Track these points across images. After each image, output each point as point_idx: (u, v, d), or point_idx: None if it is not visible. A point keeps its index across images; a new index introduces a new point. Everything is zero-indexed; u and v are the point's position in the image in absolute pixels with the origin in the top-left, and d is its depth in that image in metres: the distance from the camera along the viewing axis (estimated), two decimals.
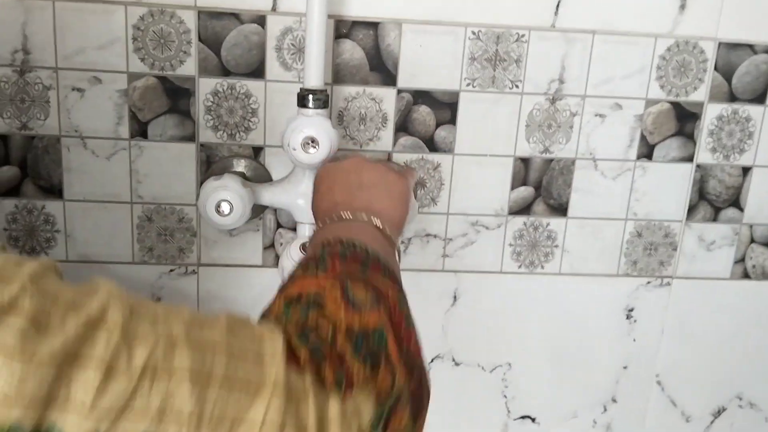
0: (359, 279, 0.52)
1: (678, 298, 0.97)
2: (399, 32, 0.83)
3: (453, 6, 0.83)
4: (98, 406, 0.35)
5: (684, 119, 0.90)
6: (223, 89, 0.83)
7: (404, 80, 0.85)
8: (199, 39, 0.81)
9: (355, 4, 0.82)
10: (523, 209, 0.91)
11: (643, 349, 0.99)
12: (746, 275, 0.97)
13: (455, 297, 0.94)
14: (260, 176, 0.85)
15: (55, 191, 0.84)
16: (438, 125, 0.87)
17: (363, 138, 0.86)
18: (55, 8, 0.79)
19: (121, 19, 0.80)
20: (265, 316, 0.49)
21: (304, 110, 0.77)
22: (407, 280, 0.90)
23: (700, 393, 1.02)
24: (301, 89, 0.77)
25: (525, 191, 0.90)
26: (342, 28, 0.83)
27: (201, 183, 0.84)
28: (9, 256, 0.38)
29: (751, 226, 0.95)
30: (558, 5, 0.84)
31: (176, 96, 0.83)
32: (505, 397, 0.99)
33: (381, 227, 0.65)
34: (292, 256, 0.76)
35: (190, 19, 0.81)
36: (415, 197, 0.86)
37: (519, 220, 0.91)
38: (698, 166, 0.92)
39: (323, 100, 0.76)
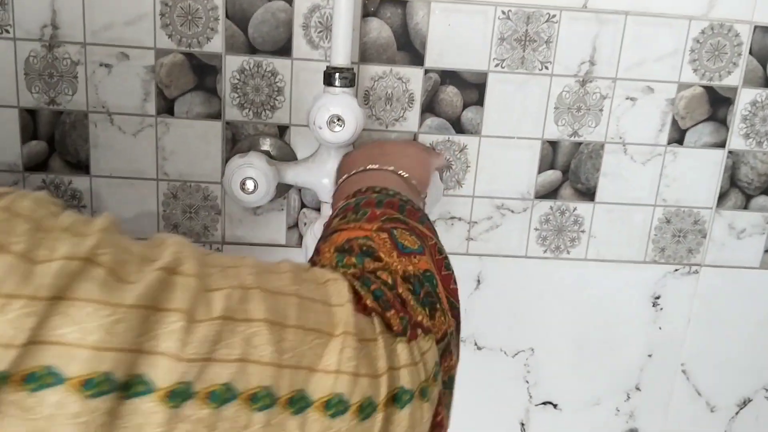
0: (401, 224, 0.52)
1: (706, 287, 0.95)
2: (427, 11, 0.82)
3: None
4: (185, 354, 0.34)
5: (717, 104, 0.88)
6: (249, 67, 0.83)
7: (432, 60, 0.84)
8: (227, 16, 0.81)
9: None
10: (549, 193, 0.90)
11: (669, 338, 0.97)
12: None
13: (479, 281, 0.93)
14: (285, 155, 0.85)
15: (82, 167, 0.85)
16: (465, 106, 0.86)
17: (389, 118, 0.86)
18: None
19: None
20: (315, 264, 0.49)
21: (330, 88, 0.76)
22: None
23: (726, 383, 1.01)
24: (327, 67, 0.76)
25: (552, 175, 0.89)
26: (370, 6, 0.82)
27: (226, 161, 0.84)
28: (76, 214, 0.38)
29: None
30: None
31: (203, 73, 0.83)
32: (527, 382, 0.98)
33: (406, 176, 0.66)
34: (316, 235, 0.75)
35: None
36: (441, 179, 0.85)
37: (545, 204, 0.90)
38: (730, 152, 0.90)
39: (350, 79, 0.76)
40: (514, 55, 0.84)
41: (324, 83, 0.76)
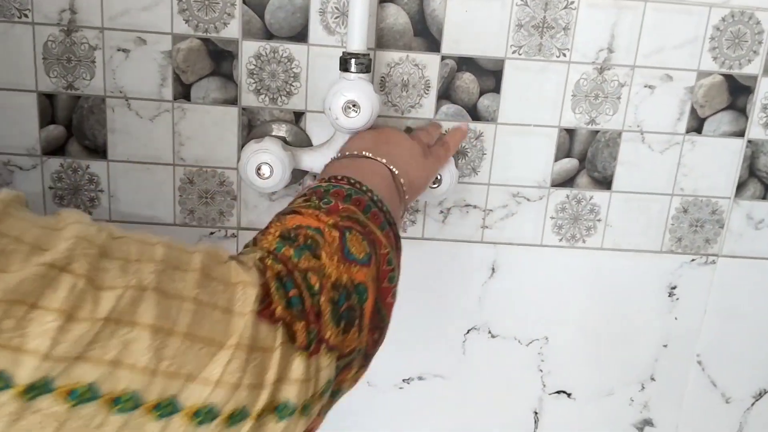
0: (358, 226, 0.51)
1: (723, 277, 0.95)
2: None
3: None
4: (54, 352, 0.34)
5: (736, 93, 0.87)
6: (265, 53, 0.83)
7: (448, 46, 0.84)
8: (243, 2, 0.81)
9: None
10: (566, 181, 0.89)
11: (685, 328, 0.97)
12: None
13: (493, 269, 0.93)
14: (301, 141, 0.85)
15: (99, 151, 0.85)
16: (482, 93, 0.85)
17: (405, 105, 0.85)
18: None
19: None
20: (257, 242, 0.49)
21: (346, 74, 0.76)
22: (445, 251, 0.91)
23: (742, 374, 1.00)
24: (343, 53, 0.76)
25: (569, 163, 0.89)
26: None
27: (242, 147, 0.84)
28: None
29: None
30: None
31: (219, 58, 0.83)
32: (541, 371, 0.98)
33: (396, 174, 0.65)
34: None
35: None
36: (456, 166, 0.85)
37: (561, 193, 0.90)
38: (749, 141, 0.89)
39: (366, 65, 0.76)
40: (531, 42, 0.84)
41: (340, 69, 0.76)
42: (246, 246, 0.51)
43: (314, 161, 0.81)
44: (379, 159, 0.66)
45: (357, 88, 0.74)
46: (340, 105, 0.74)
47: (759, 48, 0.86)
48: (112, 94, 0.83)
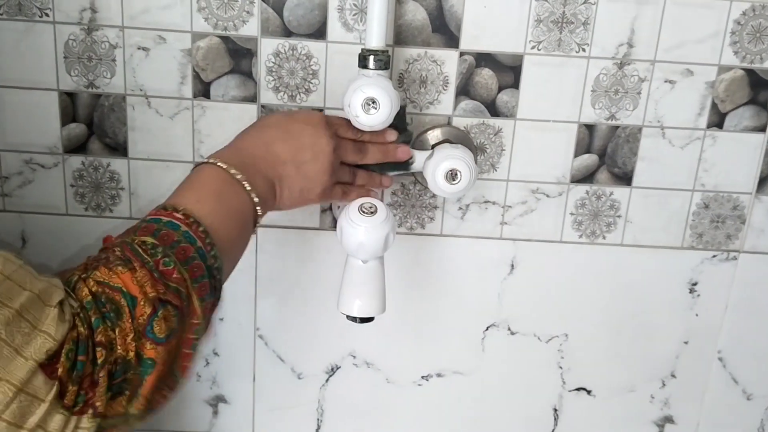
0: (176, 301, 0.54)
1: (744, 273, 0.94)
2: None
3: None
4: None
5: (758, 87, 0.86)
6: (284, 50, 0.83)
7: (467, 42, 0.83)
8: None
9: None
10: (585, 177, 0.89)
11: (706, 325, 0.96)
12: None
13: (512, 265, 0.93)
14: None
15: (120, 149, 0.86)
16: (500, 89, 0.85)
17: (423, 101, 0.85)
18: None
19: None
20: (75, 287, 0.52)
21: (364, 71, 0.76)
22: (464, 247, 0.91)
23: (763, 371, 0.99)
24: (362, 50, 0.76)
25: (588, 159, 0.88)
26: None
27: None
28: None
29: None
30: None
31: (238, 56, 0.83)
32: (561, 368, 0.98)
33: (249, 189, 0.65)
34: (351, 218, 0.75)
35: None
36: (475, 162, 0.85)
37: (581, 189, 0.89)
38: None
39: (384, 61, 0.76)
40: (550, 37, 0.83)
41: (359, 66, 0.76)
42: (78, 268, 0.55)
43: None
44: (246, 185, 0.65)
45: (376, 84, 0.74)
46: (359, 102, 0.74)
47: None
48: (133, 93, 0.84)
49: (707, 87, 0.86)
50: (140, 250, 0.56)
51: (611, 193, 0.90)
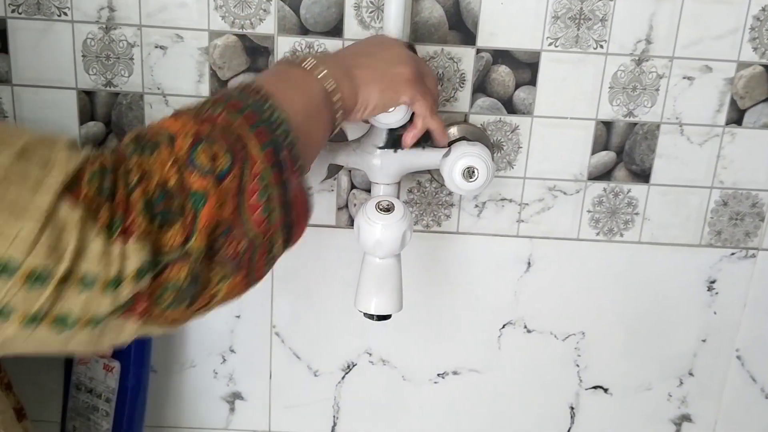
0: (226, 140, 0.51)
1: (763, 271, 0.93)
2: None
3: None
4: None
5: None
6: (301, 48, 0.83)
7: (484, 39, 0.83)
8: None
9: None
10: (603, 175, 0.89)
11: (724, 323, 0.96)
12: None
13: (529, 263, 0.92)
14: (336, 136, 0.84)
15: None
16: (517, 86, 0.85)
17: (440, 99, 0.85)
18: None
19: None
20: (128, 134, 0.51)
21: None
22: (481, 245, 0.91)
23: None
24: None
25: (606, 156, 0.88)
26: None
27: None
28: None
29: None
30: None
31: (255, 54, 0.83)
32: (578, 366, 0.97)
33: (330, 91, 0.63)
34: (368, 216, 0.75)
35: None
36: (492, 159, 0.85)
37: (598, 186, 0.89)
38: None
39: None
40: (568, 34, 0.83)
41: None
42: None
43: (349, 156, 0.81)
44: (317, 73, 0.63)
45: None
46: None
47: None
48: (150, 91, 0.84)
49: (726, 83, 0.85)
50: (194, 106, 0.54)
51: (629, 191, 0.89)
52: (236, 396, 0.98)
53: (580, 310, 0.95)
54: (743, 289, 0.94)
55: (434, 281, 0.94)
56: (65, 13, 0.81)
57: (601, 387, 0.98)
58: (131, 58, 0.83)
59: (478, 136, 0.86)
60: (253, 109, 0.55)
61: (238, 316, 0.94)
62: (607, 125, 0.86)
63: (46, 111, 0.84)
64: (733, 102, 0.86)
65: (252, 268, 0.54)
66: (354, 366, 0.97)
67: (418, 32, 0.83)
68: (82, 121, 0.85)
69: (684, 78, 0.85)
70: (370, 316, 0.78)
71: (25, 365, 0.73)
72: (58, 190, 0.43)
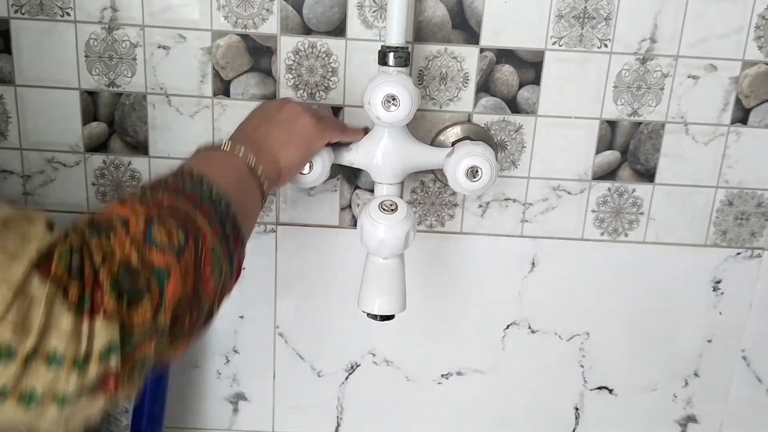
0: (175, 218, 0.53)
1: None
2: None
3: None
4: None
5: None
6: (304, 48, 0.83)
7: (487, 38, 0.83)
8: None
9: None
10: (607, 174, 0.88)
11: (730, 323, 0.95)
12: None
13: (533, 263, 0.92)
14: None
15: (140, 147, 0.86)
16: (521, 85, 0.85)
17: (443, 98, 0.85)
18: None
19: None
20: (72, 227, 0.51)
21: (385, 68, 0.76)
22: (484, 245, 0.90)
23: None
24: (382, 46, 0.76)
25: (610, 155, 0.87)
26: None
27: None
28: None
29: None
30: None
31: (258, 54, 0.83)
32: (582, 366, 0.97)
33: (253, 166, 0.66)
34: (371, 216, 0.75)
35: None
36: (495, 159, 0.84)
37: (603, 186, 0.89)
38: None
39: (404, 58, 0.75)
40: (572, 33, 0.83)
41: (378, 63, 0.76)
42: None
43: (353, 156, 0.81)
44: (236, 152, 0.66)
45: (396, 81, 0.74)
46: (379, 99, 0.73)
47: None
48: (153, 91, 0.84)
49: (731, 82, 0.85)
50: (136, 192, 0.56)
51: (634, 190, 0.89)
52: (240, 396, 0.98)
53: (585, 311, 0.94)
54: (749, 289, 0.93)
55: (438, 281, 0.93)
56: (68, 14, 0.81)
57: (605, 388, 0.98)
58: (134, 59, 0.83)
59: (481, 135, 0.85)
60: (193, 189, 0.57)
61: (242, 317, 0.94)
62: (612, 125, 0.86)
63: (49, 111, 0.84)
64: (738, 101, 0.86)
65: (195, 336, 0.56)
66: (358, 366, 0.97)
67: (421, 31, 0.82)
68: (85, 121, 0.85)
69: (689, 77, 0.85)
70: (374, 317, 0.78)
71: None
72: (33, 262, 0.44)
